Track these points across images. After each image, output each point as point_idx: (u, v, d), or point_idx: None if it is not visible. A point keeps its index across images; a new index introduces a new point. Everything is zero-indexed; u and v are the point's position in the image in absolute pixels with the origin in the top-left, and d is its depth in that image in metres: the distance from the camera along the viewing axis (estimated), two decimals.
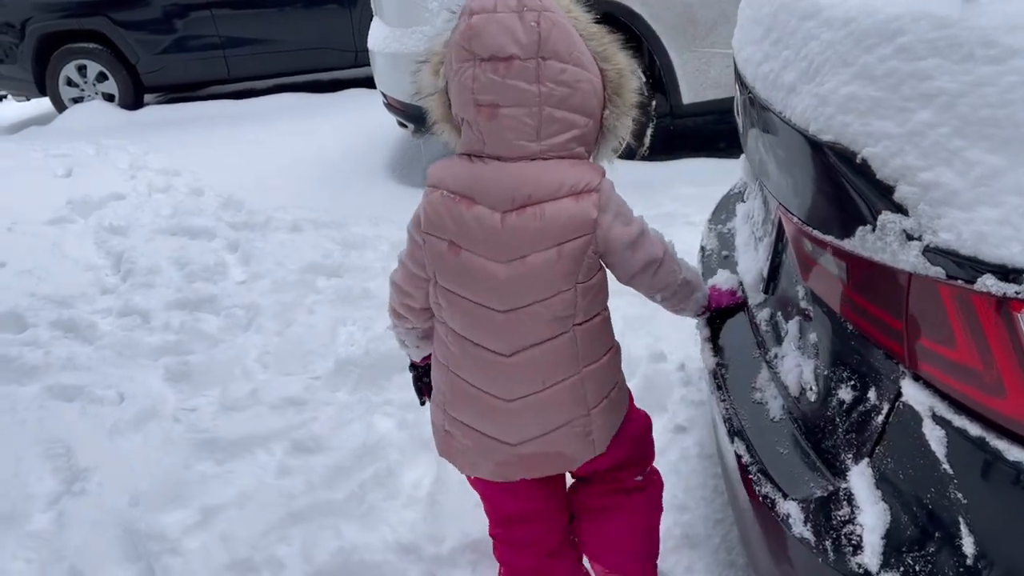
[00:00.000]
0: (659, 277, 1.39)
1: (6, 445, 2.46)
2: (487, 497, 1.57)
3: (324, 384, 2.70)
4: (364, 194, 4.56)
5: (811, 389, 1.12)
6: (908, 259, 0.88)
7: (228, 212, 4.49)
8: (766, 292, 1.43)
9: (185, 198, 4.85)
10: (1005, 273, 0.79)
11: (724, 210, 1.99)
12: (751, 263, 1.53)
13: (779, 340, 1.30)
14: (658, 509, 1.62)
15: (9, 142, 6.99)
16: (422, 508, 2.06)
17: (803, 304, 1.20)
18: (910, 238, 0.89)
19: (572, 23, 1.29)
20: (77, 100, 7.51)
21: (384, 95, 4.58)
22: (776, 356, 1.28)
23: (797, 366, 1.17)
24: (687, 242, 3.39)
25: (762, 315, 1.40)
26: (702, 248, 1.86)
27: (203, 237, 4.17)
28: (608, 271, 1.37)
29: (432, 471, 2.19)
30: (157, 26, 7.18)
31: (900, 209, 0.90)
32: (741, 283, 1.54)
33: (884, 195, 0.92)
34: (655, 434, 1.72)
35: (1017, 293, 0.78)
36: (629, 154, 4.27)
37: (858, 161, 0.95)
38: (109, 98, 7.48)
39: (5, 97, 8.78)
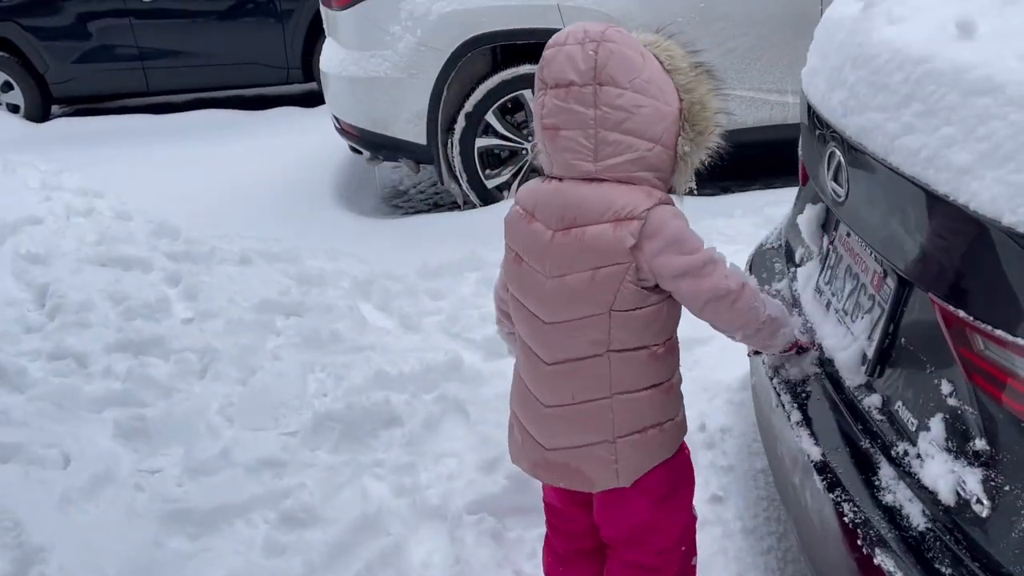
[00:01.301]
0: (734, 314, 1.38)
1: None
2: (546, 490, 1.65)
3: (302, 442, 2.47)
4: (313, 223, 4.32)
5: (981, 502, 1.01)
6: None
7: (163, 240, 4.15)
8: (871, 375, 1.32)
9: (111, 223, 4.46)
10: None
11: (763, 268, 1.89)
12: (842, 339, 1.42)
13: (904, 435, 1.19)
14: None
15: None
16: None
17: (953, 401, 1.09)
18: None
19: (667, 59, 1.39)
20: None
21: (337, 119, 4.35)
22: (906, 454, 1.18)
23: (951, 472, 1.06)
24: None
25: (871, 401, 1.30)
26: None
27: (138, 268, 3.82)
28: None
29: (442, 547, 2.00)
30: (70, 34, 6.71)
31: None
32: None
33: None
34: None
35: None
36: None
37: None
38: (14, 109, 6.93)
39: None
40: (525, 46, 3.98)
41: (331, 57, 4.28)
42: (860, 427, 1.31)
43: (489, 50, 4.08)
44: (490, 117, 4.04)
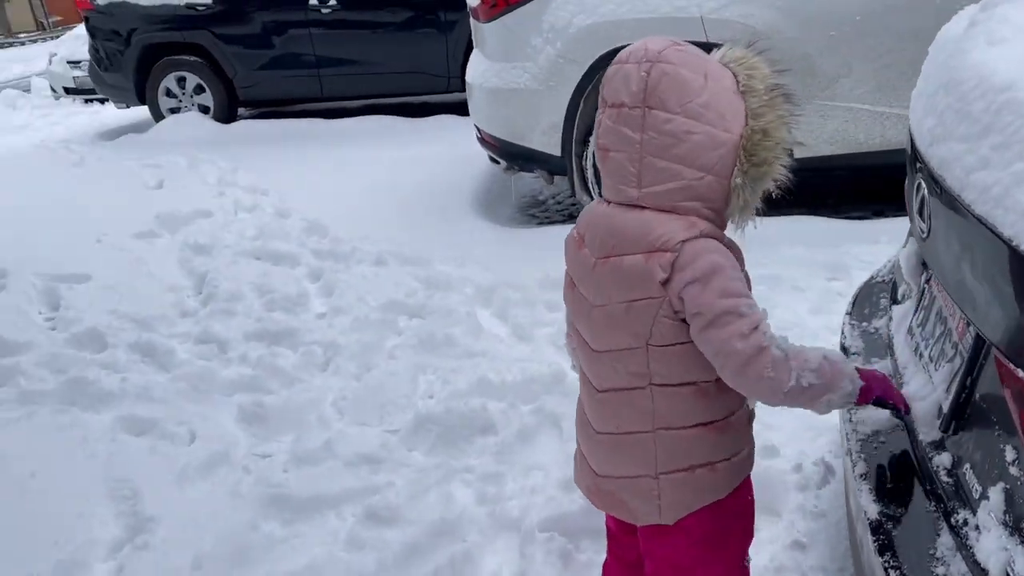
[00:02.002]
0: (741, 380, 1.23)
1: (74, 481, 2.38)
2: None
3: (401, 441, 2.55)
4: (449, 229, 4.44)
5: None
6: None
7: (313, 238, 4.42)
8: (945, 431, 1.20)
9: (271, 220, 4.80)
10: None
11: (867, 303, 1.76)
12: (922, 387, 1.30)
13: (967, 502, 1.07)
14: None
15: (106, 149, 7.15)
16: None
17: (1015, 471, 0.97)
18: None
19: (745, 78, 1.29)
20: (174, 111, 7.66)
21: (478, 129, 4.45)
22: (966, 523, 1.06)
23: (1004, 550, 0.94)
24: (792, 309, 3.14)
25: (940, 460, 1.17)
26: (844, 348, 1.63)
27: (286, 263, 4.09)
28: None
29: (511, 560, 2.00)
30: (256, 42, 7.28)
31: None
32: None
33: None
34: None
35: None
36: None
37: None
38: (204, 110, 7.60)
39: (106, 102, 9.01)
40: None
41: (475, 68, 4.39)
42: (927, 487, 1.18)
43: None
44: None
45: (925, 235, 1.28)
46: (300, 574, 2.01)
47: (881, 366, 1.48)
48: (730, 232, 1.35)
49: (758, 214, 1.35)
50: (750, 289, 1.30)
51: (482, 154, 4.79)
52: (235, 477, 2.41)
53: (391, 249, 4.13)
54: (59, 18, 34.53)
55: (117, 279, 3.86)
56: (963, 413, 1.16)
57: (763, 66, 1.33)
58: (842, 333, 1.68)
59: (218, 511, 2.24)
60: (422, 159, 5.71)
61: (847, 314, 1.76)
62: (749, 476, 1.43)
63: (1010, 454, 0.99)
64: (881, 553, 1.11)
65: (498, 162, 4.50)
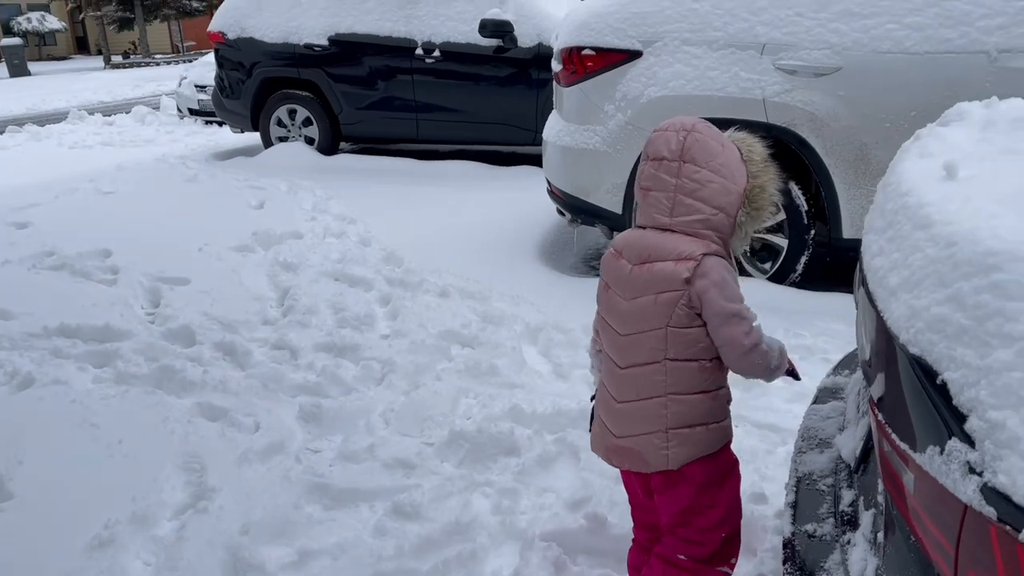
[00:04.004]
0: (741, 363, 1.72)
1: (154, 451, 2.76)
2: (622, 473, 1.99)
3: (435, 452, 2.84)
4: (512, 270, 4.76)
5: None
6: (967, 492, 0.90)
7: (388, 266, 4.82)
8: (855, 472, 1.43)
9: (354, 246, 5.23)
10: None
11: (849, 365, 1.98)
12: (851, 436, 1.53)
13: (856, 526, 1.30)
14: None
15: (218, 168, 7.81)
16: None
17: (880, 499, 1.20)
18: (972, 471, 0.90)
19: (747, 151, 1.82)
20: (282, 139, 8.30)
21: (549, 183, 4.79)
22: (849, 542, 1.28)
23: (863, 560, 1.17)
24: (816, 378, 3.32)
25: (848, 495, 1.40)
26: (817, 393, 1.90)
27: (361, 287, 4.49)
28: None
29: (511, 563, 2.26)
30: (363, 84, 7.85)
31: (968, 440, 0.92)
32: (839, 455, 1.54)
33: (957, 422, 0.94)
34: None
35: None
36: (780, 277, 4.24)
37: (938, 382, 0.98)
38: (310, 141, 8.20)
39: (224, 125, 9.77)
40: None
41: (552, 127, 4.74)
42: (836, 515, 1.41)
43: None
44: None
45: (857, 308, 1.52)
46: (330, 550, 2.31)
47: (838, 414, 1.74)
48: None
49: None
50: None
51: (551, 205, 5.12)
52: (288, 465, 2.74)
53: (456, 283, 4.48)
54: (193, 43, 37.06)
55: (212, 285, 4.33)
56: (866, 458, 1.39)
57: (759, 145, 1.88)
58: (822, 380, 1.94)
59: (269, 490, 2.58)
60: (500, 204, 6.09)
61: (832, 369, 1.99)
62: (731, 440, 1.87)
63: (880, 487, 1.22)
64: (785, 562, 1.34)
65: (564, 214, 4.81)
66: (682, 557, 1.82)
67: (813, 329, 3.76)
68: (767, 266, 4.29)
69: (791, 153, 4.07)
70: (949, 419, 0.96)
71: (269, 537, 2.36)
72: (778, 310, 3.95)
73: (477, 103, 7.55)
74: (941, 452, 0.96)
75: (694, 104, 4.12)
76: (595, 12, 4.42)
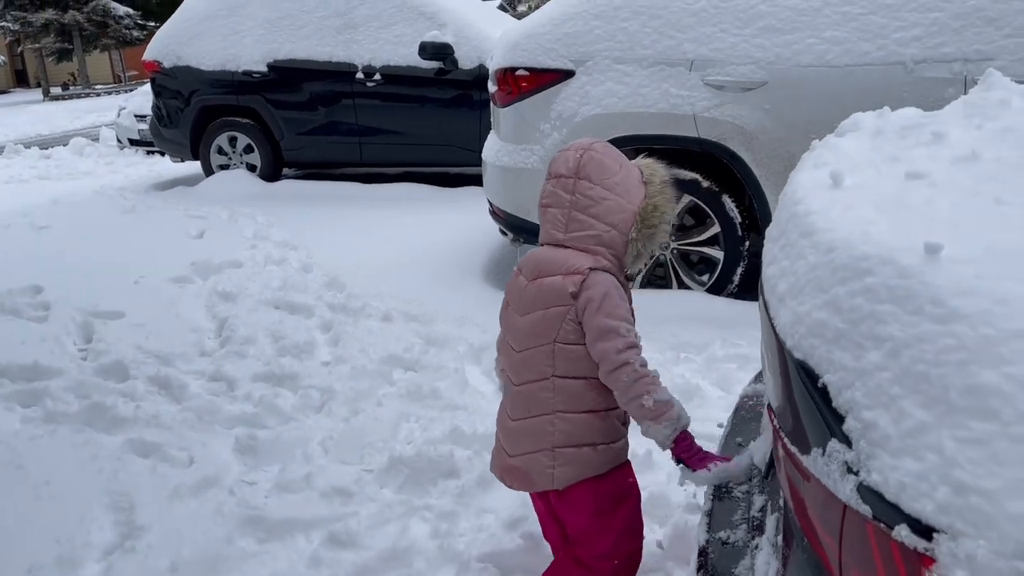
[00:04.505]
0: (610, 378, 1.70)
1: (81, 491, 2.69)
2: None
3: (374, 478, 2.81)
4: (456, 291, 4.76)
5: None
6: (845, 491, 0.92)
7: (330, 292, 4.77)
8: (765, 477, 1.45)
9: (295, 273, 5.18)
10: (918, 528, 0.82)
11: None
12: (762, 442, 1.55)
13: (762, 531, 1.31)
14: None
15: (157, 198, 7.70)
16: None
17: (781, 503, 1.22)
18: (849, 471, 0.92)
19: (648, 174, 1.87)
20: (224, 167, 8.21)
21: (490, 203, 4.81)
22: (757, 547, 1.30)
23: (766, 563, 1.18)
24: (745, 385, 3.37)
25: (759, 501, 1.42)
26: (738, 401, 1.92)
27: (302, 314, 4.44)
28: None
29: None
30: (304, 109, 7.81)
31: (846, 440, 0.94)
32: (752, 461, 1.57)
33: (836, 423, 0.96)
34: None
35: (926, 550, 0.81)
36: (718, 289, 4.30)
37: (819, 385, 1.00)
38: (252, 168, 8.12)
39: (164, 154, 9.63)
40: (662, 151, 4.23)
41: (491, 147, 4.77)
42: (748, 521, 1.42)
43: (631, 152, 4.36)
44: None
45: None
46: None
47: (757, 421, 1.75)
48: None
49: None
50: (634, 322, 1.80)
51: (495, 225, 5.13)
52: (221, 498, 2.69)
53: (399, 306, 4.46)
54: (135, 72, 36.54)
55: (147, 317, 4.25)
56: (773, 464, 1.41)
57: (662, 169, 1.93)
58: (743, 390, 1.97)
59: (200, 526, 2.52)
60: (443, 225, 6.08)
61: (753, 377, 2.02)
62: (628, 463, 1.87)
63: (782, 494, 1.23)
64: (697, 570, 1.36)
65: (507, 234, 4.83)
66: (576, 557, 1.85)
67: (749, 338, 3.81)
68: (705, 278, 4.34)
69: (723, 167, 4.14)
70: (830, 420, 0.98)
71: (199, 573, 2.31)
72: (716, 321, 4.01)
73: (420, 125, 7.56)
74: (823, 453, 0.98)
75: (627, 121, 4.18)
76: (527, 33, 4.47)
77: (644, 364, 1.70)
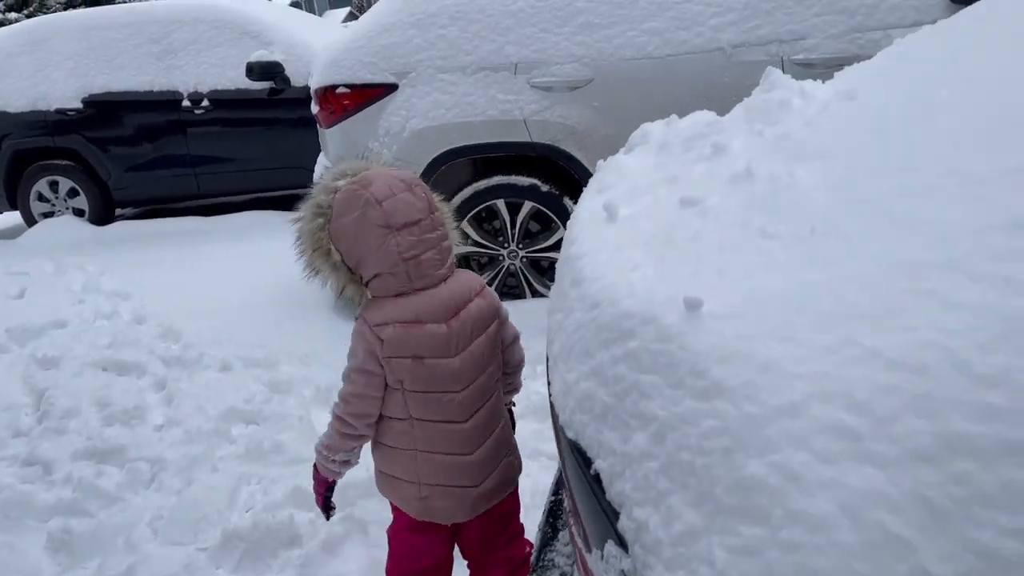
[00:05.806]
0: (518, 351, 1.98)
1: None
2: (422, 548, 1.94)
3: (208, 558, 2.54)
4: (302, 327, 4.48)
5: None
6: None
7: (164, 344, 4.38)
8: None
9: (126, 327, 4.74)
10: None
11: None
12: None
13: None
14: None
15: None
16: None
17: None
18: None
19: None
20: (48, 215, 7.55)
21: None
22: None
23: (571, 563, 1.03)
24: None
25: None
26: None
27: (133, 373, 4.04)
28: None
29: None
30: (129, 144, 7.27)
31: (622, 543, 0.79)
32: None
33: (611, 521, 0.81)
34: None
35: None
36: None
37: (592, 472, 0.85)
38: (80, 213, 7.51)
39: None
40: (500, 158, 4.10)
41: (320, 171, 4.51)
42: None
43: (470, 162, 4.22)
44: (466, 226, 4.15)
45: None
46: None
47: None
48: None
49: None
50: None
51: None
52: None
53: (240, 352, 4.14)
54: None
55: None
56: None
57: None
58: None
59: None
60: (286, 254, 5.68)
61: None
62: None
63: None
64: None
65: None
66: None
67: None
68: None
69: (561, 170, 4.05)
70: (609, 515, 0.83)
71: None
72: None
73: (257, 149, 7.18)
74: (602, 557, 0.82)
75: (458, 131, 4.02)
76: (344, 48, 4.24)
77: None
